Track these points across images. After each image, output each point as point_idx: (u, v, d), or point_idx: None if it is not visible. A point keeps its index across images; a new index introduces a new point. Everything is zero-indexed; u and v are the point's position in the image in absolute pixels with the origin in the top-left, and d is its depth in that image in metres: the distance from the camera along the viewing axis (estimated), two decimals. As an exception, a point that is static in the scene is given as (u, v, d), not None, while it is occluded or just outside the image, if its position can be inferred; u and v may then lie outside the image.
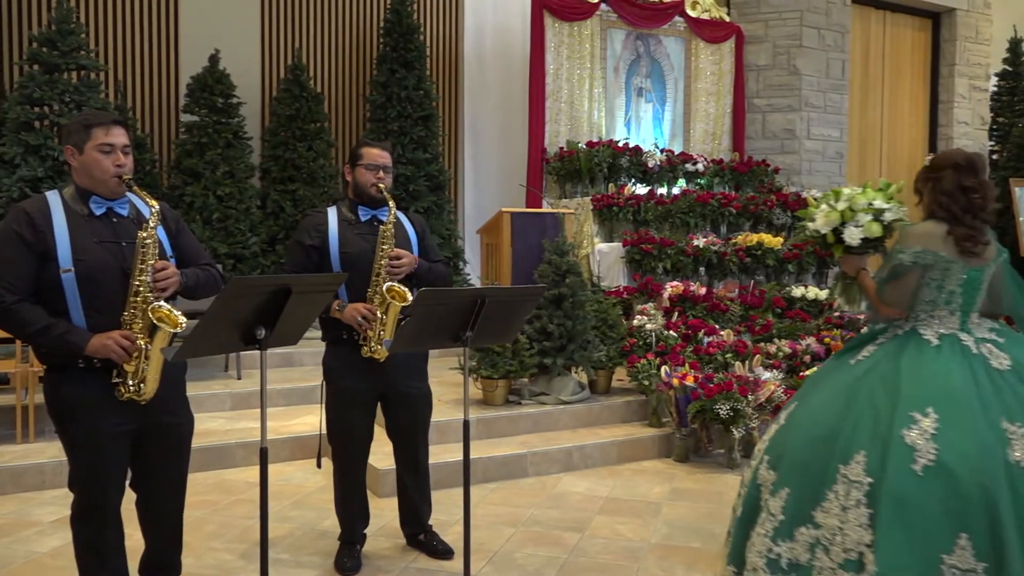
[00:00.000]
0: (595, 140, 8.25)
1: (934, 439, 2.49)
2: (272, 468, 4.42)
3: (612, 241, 7.52)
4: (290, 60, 7.85)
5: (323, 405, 3.41)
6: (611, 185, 8.02)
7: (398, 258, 3.26)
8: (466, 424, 2.94)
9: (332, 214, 3.36)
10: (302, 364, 6.57)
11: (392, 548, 3.66)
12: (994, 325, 2.83)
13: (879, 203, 2.87)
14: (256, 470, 2.47)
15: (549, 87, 8.25)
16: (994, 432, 2.50)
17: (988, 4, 10.56)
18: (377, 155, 3.37)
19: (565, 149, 8.15)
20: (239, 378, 6.01)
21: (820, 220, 2.95)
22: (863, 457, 2.57)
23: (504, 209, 6.09)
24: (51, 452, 4.56)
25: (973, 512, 2.41)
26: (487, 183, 8.93)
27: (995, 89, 10.99)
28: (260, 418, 2.42)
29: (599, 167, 7.96)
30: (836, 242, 2.93)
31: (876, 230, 2.87)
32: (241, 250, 6.90)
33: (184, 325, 2.51)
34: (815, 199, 3.09)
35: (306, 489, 4.49)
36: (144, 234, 2.51)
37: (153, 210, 2.54)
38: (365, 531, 3.54)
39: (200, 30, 7.63)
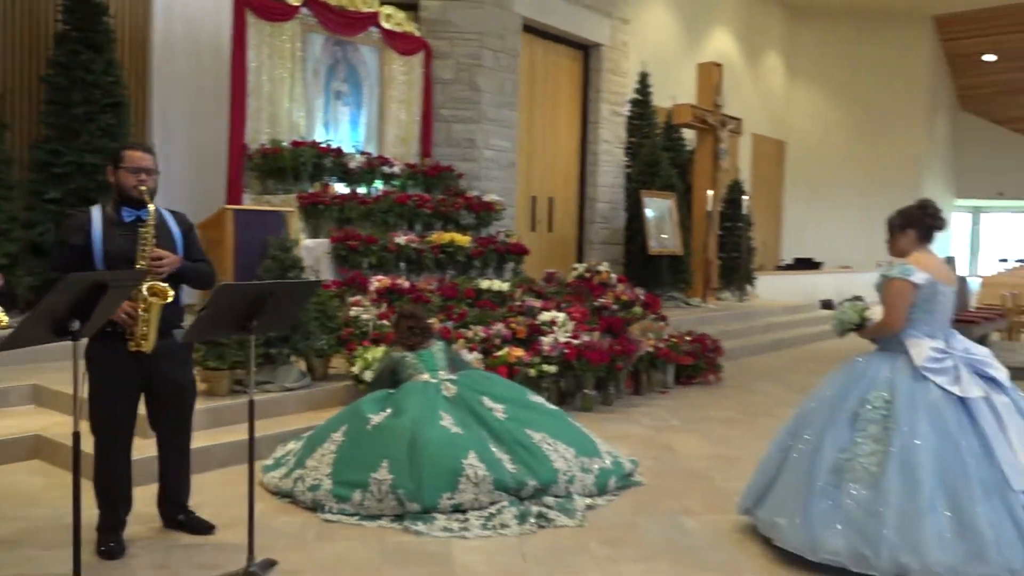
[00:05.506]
0: (297, 139, 8.52)
1: (385, 418, 4.42)
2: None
3: (318, 237, 7.92)
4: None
5: (87, 394, 3.48)
6: (316, 184, 8.37)
7: (159, 258, 3.47)
8: (251, 403, 3.29)
9: (96, 213, 3.47)
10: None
11: (150, 531, 3.83)
12: (457, 376, 4.88)
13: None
14: None
15: (251, 84, 8.36)
16: (432, 413, 4.42)
17: (625, 43, 12.62)
18: (139, 158, 3.54)
19: (268, 146, 8.32)
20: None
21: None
22: (344, 427, 4.50)
23: (227, 206, 6.23)
24: None
25: (397, 449, 4.19)
26: (179, 174, 8.74)
27: (629, 114, 13.18)
28: None
29: (304, 166, 8.27)
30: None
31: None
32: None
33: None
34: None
35: (35, 488, 4.37)
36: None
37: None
38: (127, 517, 3.68)
39: None
